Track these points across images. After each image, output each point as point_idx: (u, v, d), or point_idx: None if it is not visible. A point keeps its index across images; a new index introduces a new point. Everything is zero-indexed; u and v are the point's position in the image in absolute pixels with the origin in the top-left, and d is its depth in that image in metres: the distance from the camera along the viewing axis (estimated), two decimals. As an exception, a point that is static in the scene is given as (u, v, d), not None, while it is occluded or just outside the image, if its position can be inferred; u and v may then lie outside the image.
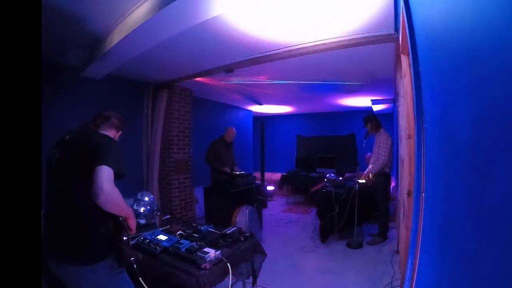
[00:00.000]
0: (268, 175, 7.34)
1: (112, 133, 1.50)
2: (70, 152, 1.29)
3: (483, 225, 0.43)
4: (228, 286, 1.64)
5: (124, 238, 1.29)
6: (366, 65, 3.22)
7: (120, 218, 1.31)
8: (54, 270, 1.23)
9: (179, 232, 1.98)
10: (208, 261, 1.54)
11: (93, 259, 1.21)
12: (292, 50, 2.64)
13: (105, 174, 1.13)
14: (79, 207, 1.21)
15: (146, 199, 2.48)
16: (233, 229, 2.04)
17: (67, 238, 1.22)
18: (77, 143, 1.29)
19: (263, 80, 3.90)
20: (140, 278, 1.38)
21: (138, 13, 1.98)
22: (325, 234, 3.73)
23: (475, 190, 0.47)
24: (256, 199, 3.91)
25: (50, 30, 2.18)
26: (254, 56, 2.85)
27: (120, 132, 1.57)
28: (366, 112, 4.59)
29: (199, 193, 4.51)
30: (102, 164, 1.14)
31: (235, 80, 3.85)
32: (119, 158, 1.25)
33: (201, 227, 2.10)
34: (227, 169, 4.03)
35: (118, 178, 1.21)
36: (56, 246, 1.23)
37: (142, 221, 2.26)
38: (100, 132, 1.42)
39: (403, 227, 2.14)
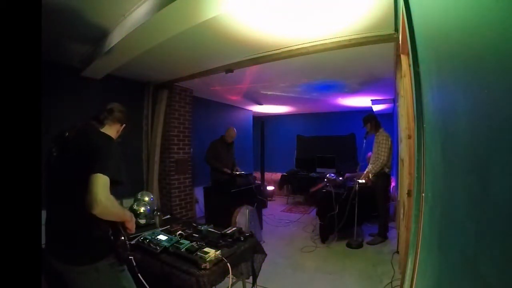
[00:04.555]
0: (268, 175, 7.33)
1: (116, 128, 1.47)
2: (68, 152, 1.27)
3: (483, 225, 0.43)
4: (228, 286, 1.64)
5: (122, 238, 1.29)
6: (366, 65, 3.22)
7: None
8: (57, 269, 1.23)
9: (179, 232, 1.98)
10: (208, 261, 1.54)
11: (94, 259, 1.21)
12: (292, 50, 2.64)
13: (100, 184, 1.10)
14: (77, 208, 1.20)
15: (146, 199, 2.48)
16: (233, 229, 2.04)
17: (67, 238, 1.22)
18: (76, 144, 1.27)
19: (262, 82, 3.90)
20: (139, 274, 1.39)
21: (138, 13, 1.98)
22: (325, 234, 3.73)
23: (475, 190, 0.47)
24: (256, 199, 3.91)
25: (50, 30, 2.18)
26: (254, 56, 2.85)
27: (124, 125, 1.53)
28: (366, 112, 4.58)
29: (199, 193, 4.51)
30: (97, 172, 1.11)
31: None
32: (117, 164, 1.21)
33: (201, 227, 2.11)
34: (228, 169, 4.03)
35: (115, 185, 1.18)
36: (57, 246, 1.23)
37: (142, 221, 2.27)
38: (102, 130, 1.38)
39: (403, 227, 2.14)
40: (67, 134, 1.31)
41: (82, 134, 1.31)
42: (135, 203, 2.34)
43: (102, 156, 1.18)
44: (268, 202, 6.10)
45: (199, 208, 4.60)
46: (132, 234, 1.95)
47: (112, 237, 1.28)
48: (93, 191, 1.09)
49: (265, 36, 2.39)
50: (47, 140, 1.31)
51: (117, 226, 1.30)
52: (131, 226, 1.34)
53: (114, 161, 1.21)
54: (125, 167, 1.27)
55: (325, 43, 2.49)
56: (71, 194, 1.22)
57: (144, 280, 1.42)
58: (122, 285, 1.30)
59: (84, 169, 1.13)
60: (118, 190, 1.23)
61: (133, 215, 1.37)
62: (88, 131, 1.34)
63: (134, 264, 1.36)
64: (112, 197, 1.16)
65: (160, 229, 2.15)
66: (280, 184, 6.63)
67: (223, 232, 2.01)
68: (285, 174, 6.53)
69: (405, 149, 2.01)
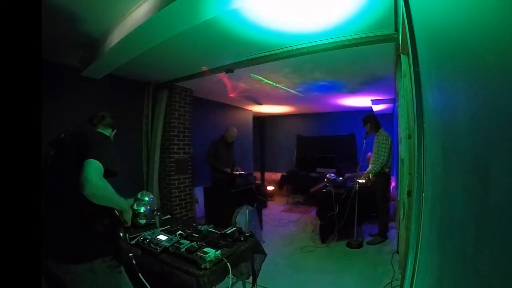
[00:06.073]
0: (268, 175, 7.34)
1: (107, 132, 1.54)
2: (65, 150, 1.30)
3: (483, 225, 0.43)
4: (228, 286, 1.64)
5: (121, 235, 1.29)
6: (366, 65, 3.22)
7: (116, 213, 1.30)
8: (54, 269, 1.22)
9: (179, 232, 1.98)
10: (208, 261, 1.54)
11: (90, 256, 1.21)
12: (292, 50, 2.64)
13: (93, 167, 1.13)
14: (74, 204, 1.21)
15: (146, 199, 2.48)
16: (233, 229, 2.04)
17: (63, 236, 1.22)
18: (72, 141, 1.31)
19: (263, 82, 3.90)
20: (140, 274, 1.38)
21: (138, 13, 1.98)
22: (325, 234, 3.73)
23: (475, 190, 0.47)
24: (256, 199, 3.91)
25: (50, 30, 2.18)
26: (254, 56, 2.85)
27: (115, 130, 1.62)
28: (366, 112, 4.58)
29: (199, 193, 4.51)
30: (91, 158, 1.15)
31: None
32: (111, 154, 1.25)
33: (201, 227, 2.11)
34: (228, 169, 4.03)
35: (110, 175, 1.21)
36: (54, 245, 1.23)
37: (142, 221, 2.27)
38: (97, 130, 1.46)
39: (403, 227, 2.14)
40: (63, 135, 1.35)
41: (77, 132, 1.35)
42: (135, 203, 2.34)
43: (97, 146, 1.22)
44: (268, 202, 6.10)
45: (199, 208, 4.60)
46: (132, 234, 1.95)
47: (110, 233, 1.27)
48: (85, 172, 1.11)
49: (265, 36, 2.39)
50: (47, 140, 1.32)
51: (116, 220, 1.29)
52: (127, 217, 1.34)
53: (108, 152, 1.24)
54: (120, 161, 1.29)
55: (325, 43, 2.49)
56: (68, 190, 1.22)
57: (145, 280, 1.42)
58: (120, 287, 1.29)
59: (80, 161, 1.16)
60: (120, 189, 1.23)
61: (129, 207, 1.37)
62: (84, 130, 1.39)
63: (134, 262, 1.35)
64: (105, 181, 1.17)
65: (160, 229, 2.15)
66: (280, 184, 6.63)
67: (223, 232, 2.01)
68: (285, 174, 6.53)
69: (405, 149, 2.01)
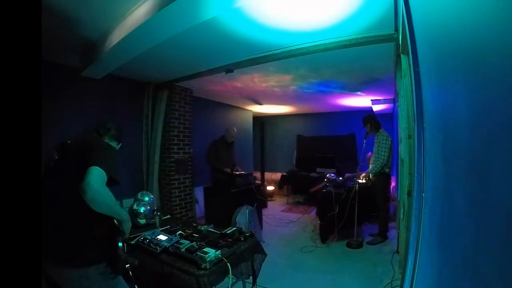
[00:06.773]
0: (268, 175, 7.33)
1: (113, 145, 1.55)
2: (69, 155, 1.31)
3: (483, 225, 0.43)
4: (228, 286, 1.64)
5: (119, 245, 1.28)
6: (366, 65, 3.22)
7: (116, 222, 1.30)
8: (51, 273, 1.23)
9: (179, 232, 1.98)
10: (208, 261, 1.54)
11: (86, 262, 1.21)
12: (292, 50, 2.64)
13: (96, 173, 1.14)
14: (74, 209, 1.21)
15: (146, 199, 2.48)
16: (233, 229, 2.04)
17: (61, 240, 1.22)
18: (77, 147, 1.32)
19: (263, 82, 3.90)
20: (135, 286, 1.37)
21: (138, 13, 1.98)
22: (325, 234, 3.73)
23: (475, 190, 0.47)
24: (256, 199, 3.91)
25: (50, 30, 2.18)
26: (254, 56, 2.85)
27: (121, 144, 1.63)
28: (366, 112, 4.58)
29: (199, 193, 4.50)
30: (94, 165, 1.15)
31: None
32: (114, 163, 1.26)
33: (201, 227, 2.11)
34: (228, 169, 4.03)
35: (111, 184, 1.21)
36: (52, 248, 1.22)
37: (142, 221, 2.27)
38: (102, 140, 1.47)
39: (403, 227, 2.14)
40: (69, 141, 1.38)
41: (82, 139, 1.38)
42: (135, 203, 2.34)
43: (100, 153, 1.23)
44: (268, 202, 6.10)
45: (199, 208, 4.60)
46: (132, 234, 1.95)
47: (108, 241, 1.27)
48: (88, 178, 1.12)
49: (265, 36, 2.39)
50: (47, 140, 1.32)
51: (116, 228, 1.29)
52: (126, 228, 1.33)
53: (111, 160, 1.25)
54: (121, 170, 1.30)
55: (325, 43, 2.49)
56: (69, 194, 1.22)
57: (144, 281, 1.41)
58: None
59: (83, 167, 1.16)
60: (118, 190, 1.23)
61: (129, 218, 1.36)
62: (89, 137, 1.41)
63: (130, 274, 1.33)
64: (107, 189, 1.17)
65: (160, 229, 2.15)
66: (280, 184, 6.63)
67: (223, 232, 2.01)
68: (285, 174, 6.52)
69: (405, 149, 2.01)
